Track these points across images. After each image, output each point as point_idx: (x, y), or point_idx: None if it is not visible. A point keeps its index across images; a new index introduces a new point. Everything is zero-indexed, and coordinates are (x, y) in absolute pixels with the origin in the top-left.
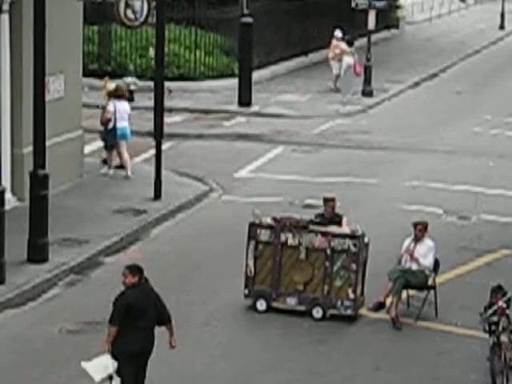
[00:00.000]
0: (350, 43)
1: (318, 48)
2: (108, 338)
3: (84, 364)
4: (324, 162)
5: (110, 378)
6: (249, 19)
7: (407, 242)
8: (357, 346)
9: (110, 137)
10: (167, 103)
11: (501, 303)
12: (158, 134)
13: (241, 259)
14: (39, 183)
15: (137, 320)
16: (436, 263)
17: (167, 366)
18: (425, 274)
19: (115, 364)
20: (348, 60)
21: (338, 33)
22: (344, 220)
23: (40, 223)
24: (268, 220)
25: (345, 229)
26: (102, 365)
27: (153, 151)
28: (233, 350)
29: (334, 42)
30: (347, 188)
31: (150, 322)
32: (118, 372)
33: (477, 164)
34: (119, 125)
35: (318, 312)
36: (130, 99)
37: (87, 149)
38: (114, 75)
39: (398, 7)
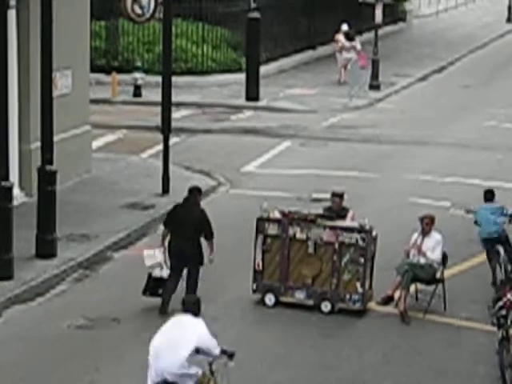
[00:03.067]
0: (348, 37)
1: (325, 42)
2: (161, 237)
3: (145, 251)
4: (332, 156)
5: (161, 267)
6: (256, 14)
7: (415, 235)
8: (365, 340)
9: None
10: (174, 98)
11: (509, 296)
12: (166, 129)
13: (249, 254)
14: (47, 179)
15: (177, 227)
16: (444, 257)
17: None
18: (433, 268)
19: (162, 257)
20: (346, 55)
21: (343, 26)
22: (349, 214)
23: (48, 219)
24: (276, 214)
25: (350, 222)
26: (154, 255)
27: (160, 146)
28: (242, 344)
29: (336, 35)
30: (355, 182)
31: (189, 233)
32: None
33: (485, 157)
34: None
35: (326, 306)
36: (138, 94)
37: (95, 144)
38: (121, 70)
39: (405, 0)
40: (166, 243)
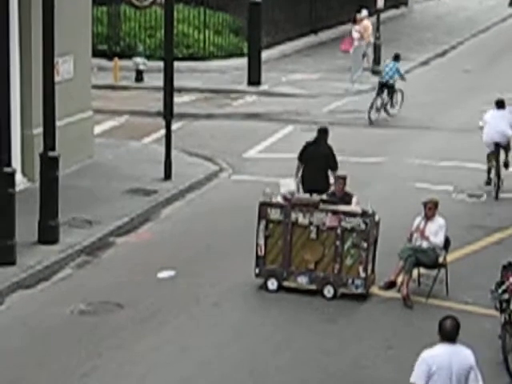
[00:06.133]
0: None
1: (327, 27)
2: (296, 170)
3: (281, 180)
4: (333, 141)
5: (292, 194)
6: None
7: (418, 219)
8: (368, 325)
9: None
10: (176, 83)
11: None
12: (168, 114)
13: (251, 239)
14: (49, 164)
15: (309, 161)
16: (447, 241)
17: (178, 347)
18: (435, 253)
19: (295, 187)
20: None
21: (364, 12)
22: (354, 199)
23: (50, 204)
24: (278, 199)
25: (355, 208)
26: (289, 184)
27: (162, 131)
28: (244, 329)
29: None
30: (357, 166)
31: (319, 165)
32: None
33: None
34: None
35: (328, 291)
36: (140, 79)
37: (97, 130)
38: (123, 56)
39: None
40: (300, 174)
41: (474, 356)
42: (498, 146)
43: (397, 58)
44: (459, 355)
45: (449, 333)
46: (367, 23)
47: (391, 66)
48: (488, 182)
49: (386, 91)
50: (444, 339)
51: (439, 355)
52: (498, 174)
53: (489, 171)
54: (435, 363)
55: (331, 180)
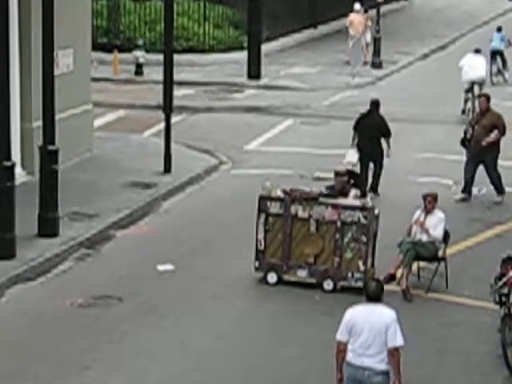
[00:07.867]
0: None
1: (326, 20)
2: (352, 139)
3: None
4: (334, 134)
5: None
6: None
7: (417, 213)
8: None
9: None
10: (176, 76)
11: (511, 274)
12: (168, 108)
13: (251, 232)
14: (49, 158)
15: (363, 130)
16: (446, 234)
17: (178, 340)
18: (435, 246)
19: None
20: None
21: (356, 6)
22: (352, 192)
23: (50, 197)
24: (278, 193)
25: (353, 201)
26: (349, 154)
27: (162, 125)
28: (243, 323)
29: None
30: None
31: (372, 134)
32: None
33: None
34: None
35: (328, 284)
36: (139, 73)
37: (96, 123)
38: (122, 49)
39: None
40: (355, 143)
41: (394, 316)
42: (473, 83)
43: (500, 29)
44: (376, 313)
45: (372, 293)
46: (353, 18)
47: (500, 36)
48: (463, 111)
49: (498, 58)
50: (368, 299)
51: (358, 312)
52: (473, 107)
53: (465, 102)
54: (353, 319)
55: (388, 147)
